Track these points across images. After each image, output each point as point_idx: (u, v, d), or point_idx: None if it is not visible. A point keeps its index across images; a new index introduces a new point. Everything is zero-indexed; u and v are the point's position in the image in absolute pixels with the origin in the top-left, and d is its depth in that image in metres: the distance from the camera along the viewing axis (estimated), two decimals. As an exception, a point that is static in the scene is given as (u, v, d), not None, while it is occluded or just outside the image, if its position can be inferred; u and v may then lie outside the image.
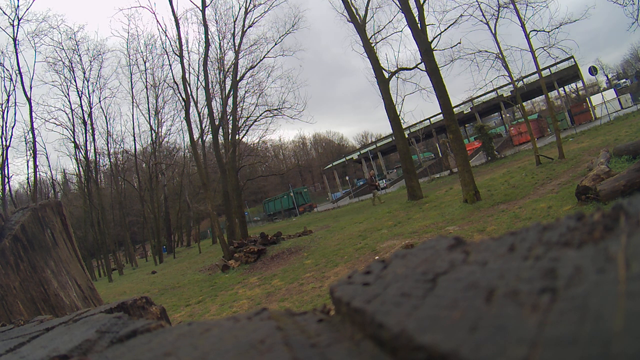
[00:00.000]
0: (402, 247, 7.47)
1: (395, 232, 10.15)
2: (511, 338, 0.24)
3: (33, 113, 23.85)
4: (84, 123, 29.35)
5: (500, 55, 15.06)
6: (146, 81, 33.40)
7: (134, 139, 33.92)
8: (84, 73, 30.11)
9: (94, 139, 29.83)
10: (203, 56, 20.13)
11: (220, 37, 23.71)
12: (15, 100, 24.28)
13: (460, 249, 0.42)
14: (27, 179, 27.68)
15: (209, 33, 20.36)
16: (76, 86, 29.72)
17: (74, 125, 29.86)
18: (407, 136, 22.38)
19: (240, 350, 0.40)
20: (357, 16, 17.21)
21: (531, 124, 18.50)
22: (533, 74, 21.32)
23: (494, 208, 9.25)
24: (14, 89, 23.99)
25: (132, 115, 42.74)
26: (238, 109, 22.35)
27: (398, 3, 13.10)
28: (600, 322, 0.21)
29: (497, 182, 12.81)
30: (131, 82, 32.83)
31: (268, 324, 0.48)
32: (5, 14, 22.31)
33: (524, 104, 18.90)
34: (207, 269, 14.46)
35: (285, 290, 7.75)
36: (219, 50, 23.67)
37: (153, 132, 34.08)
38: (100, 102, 31.32)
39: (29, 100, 23.53)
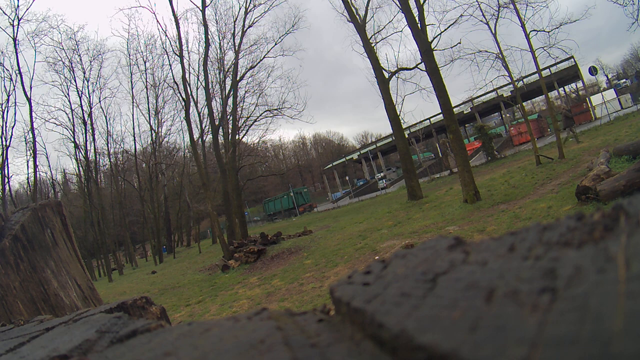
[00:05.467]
0: (402, 247, 7.47)
1: (395, 232, 10.15)
2: (511, 338, 0.24)
3: (33, 113, 23.92)
4: (84, 123, 29.37)
5: (500, 55, 15.06)
6: (146, 81, 33.45)
7: (134, 139, 33.99)
8: (84, 73, 30.15)
9: (94, 139, 29.87)
10: (203, 56, 20.16)
11: (220, 37, 23.74)
12: (15, 100, 24.32)
13: (460, 249, 0.42)
14: (27, 179, 27.70)
15: (209, 33, 20.38)
16: (76, 86, 29.75)
17: (74, 125, 29.90)
18: (407, 136, 22.37)
19: (240, 350, 0.40)
20: (357, 16, 17.21)
21: (531, 124, 18.49)
22: (533, 74, 21.31)
23: (494, 208, 9.25)
24: (14, 89, 24.03)
25: (132, 115, 42.79)
26: (238, 109, 22.37)
27: (398, 3, 13.11)
28: (600, 322, 0.21)
29: (497, 182, 12.81)
30: (131, 82, 32.88)
31: (268, 324, 0.48)
32: (5, 14, 22.34)
33: (524, 104, 18.88)
34: (207, 269, 14.46)
35: (285, 290, 7.75)
36: (219, 50, 23.69)
37: (153, 132, 34.10)
38: (100, 102, 31.37)
39: (29, 100, 23.55)
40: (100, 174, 36.47)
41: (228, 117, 21.82)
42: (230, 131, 21.40)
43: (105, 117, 32.42)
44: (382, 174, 40.45)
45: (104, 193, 35.75)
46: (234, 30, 23.02)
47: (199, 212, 38.96)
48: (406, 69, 17.19)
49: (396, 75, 17.28)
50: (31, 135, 23.82)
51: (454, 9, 15.96)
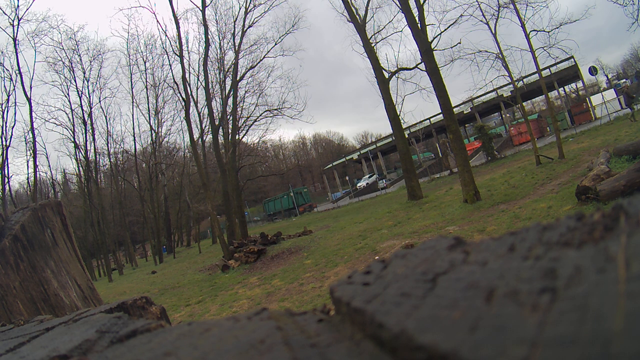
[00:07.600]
0: (402, 247, 7.47)
1: (395, 232, 10.15)
2: (511, 338, 0.24)
3: (33, 113, 23.93)
4: (84, 123, 29.36)
5: (500, 55, 15.06)
6: (146, 81, 33.43)
7: (134, 139, 33.97)
8: (84, 73, 30.13)
9: (94, 139, 29.86)
10: (203, 56, 20.15)
11: (220, 37, 23.73)
12: (15, 100, 24.32)
13: (460, 249, 0.42)
14: (27, 179, 27.70)
15: (209, 33, 20.38)
16: (76, 86, 29.75)
17: (74, 125, 29.90)
18: (407, 136, 22.37)
19: (240, 350, 0.40)
20: (357, 16, 17.21)
21: (531, 124, 18.50)
22: (533, 74, 21.32)
23: (494, 208, 9.25)
24: (14, 89, 24.03)
25: (132, 115, 42.87)
26: (238, 109, 22.37)
27: (398, 3, 13.11)
28: (600, 322, 0.21)
29: (497, 182, 12.81)
30: (131, 82, 32.87)
31: (268, 324, 0.48)
32: (5, 14, 22.33)
33: (524, 104, 18.89)
34: (207, 269, 14.46)
35: (285, 290, 7.75)
36: (219, 50, 23.69)
37: (153, 132, 34.09)
38: (100, 102, 31.36)
39: (29, 100, 23.55)
40: (100, 174, 36.46)
41: (228, 117, 21.82)
42: (230, 131, 21.41)
43: (105, 117, 32.44)
44: (367, 181, 39.70)
45: (104, 193, 35.74)
46: (234, 30, 23.05)
47: (199, 212, 38.93)
48: (406, 69, 17.19)
49: (396, 75, 17.30)
50: (31, 135, 23.85)
51: (454, 9, 16.00)
